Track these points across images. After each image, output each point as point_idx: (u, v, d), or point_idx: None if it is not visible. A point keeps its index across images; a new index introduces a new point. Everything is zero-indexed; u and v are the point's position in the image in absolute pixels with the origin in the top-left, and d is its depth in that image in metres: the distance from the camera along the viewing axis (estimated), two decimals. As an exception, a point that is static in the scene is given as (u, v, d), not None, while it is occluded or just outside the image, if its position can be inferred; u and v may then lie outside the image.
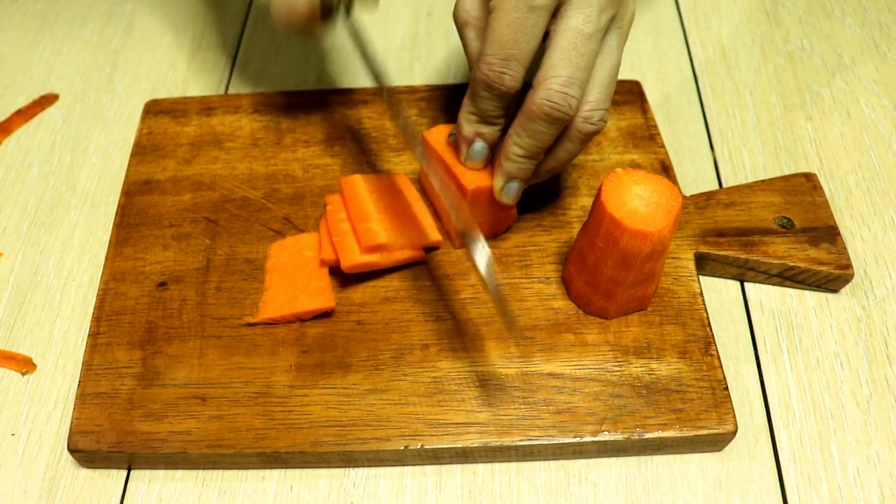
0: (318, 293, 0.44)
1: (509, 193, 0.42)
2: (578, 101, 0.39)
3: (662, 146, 0.51)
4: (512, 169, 0.41)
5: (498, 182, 0.42)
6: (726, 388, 0.41)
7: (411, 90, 0.55)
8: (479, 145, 0.42)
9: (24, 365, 0.45)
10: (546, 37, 0.40)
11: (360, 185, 0.47)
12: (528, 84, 0.40)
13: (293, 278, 0.45)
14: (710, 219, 0.47)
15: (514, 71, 0.39)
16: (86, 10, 0.66)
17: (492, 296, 0.39)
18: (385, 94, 0.45)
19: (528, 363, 0.42)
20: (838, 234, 0.46)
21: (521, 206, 0.47)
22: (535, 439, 0.40)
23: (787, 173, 0.50)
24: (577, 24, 0.38)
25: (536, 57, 0.40)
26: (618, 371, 0.42)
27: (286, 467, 0.41)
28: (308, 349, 0.43)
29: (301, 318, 0.44)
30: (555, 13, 0.39)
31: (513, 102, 0.41)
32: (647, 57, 0.61)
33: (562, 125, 0.39)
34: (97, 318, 0.45)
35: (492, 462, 0.41)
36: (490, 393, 0.41)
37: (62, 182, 0.54)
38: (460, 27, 0.43)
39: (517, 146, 0.40)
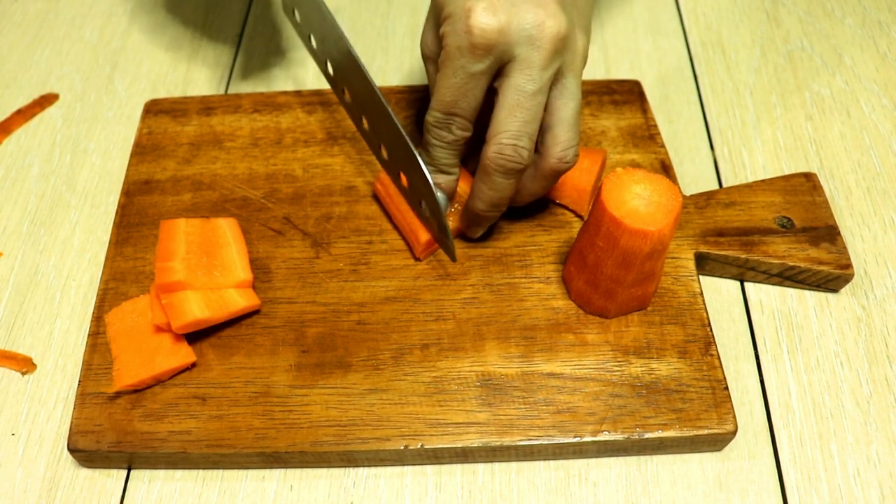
0: (176, 350, 0.42)
1: (473, 232, 0.46)
2: (529, 152, 0.41)
3: (662, 146, 0.51)
4: (476, 220, 0.45)
5: (464, 223, 0.46)
6: (726, 388, 0.41)
7: (411, 90, 0.55)
8: (438, 196, 0.43)
9: (24, 365, 0.45)
10: (494, 90, 0.41)
11: (179, 227, 0.44)
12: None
13: (143, 342, 0.42)
14: (710, 219, 0.47)
15: (458, 124, 0.42)
16: (86, 10, 0.66)
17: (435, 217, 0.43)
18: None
19: (528, 363, 0.42)
20: (838, 233, 0.46)
21: (522, 206, 0.48)
22: (535, 439, 0.40)
23: (787, 173, 0.50)
24: (519, 83, 0.39)
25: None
26: (618, 371, 0.42)
27: (286, 467, 0.41)
28: (308, 349, 0.43)
29: (160, 380, 0.42)
30: (501, 70, 0.40)
31: (469, 155, 0.44)
32: (647, 57, 0.61)
33: (518, 175, 0.42)
34: (97, 318, 0.45)
35: (492, 462, 0.41)
36: (490, 393, 0.41)
37: (62, 182, 0.54)
38: (423, 60, 0.45)
39: (479, 200, 0.43)
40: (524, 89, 0.39)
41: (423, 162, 0.42)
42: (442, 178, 0.44)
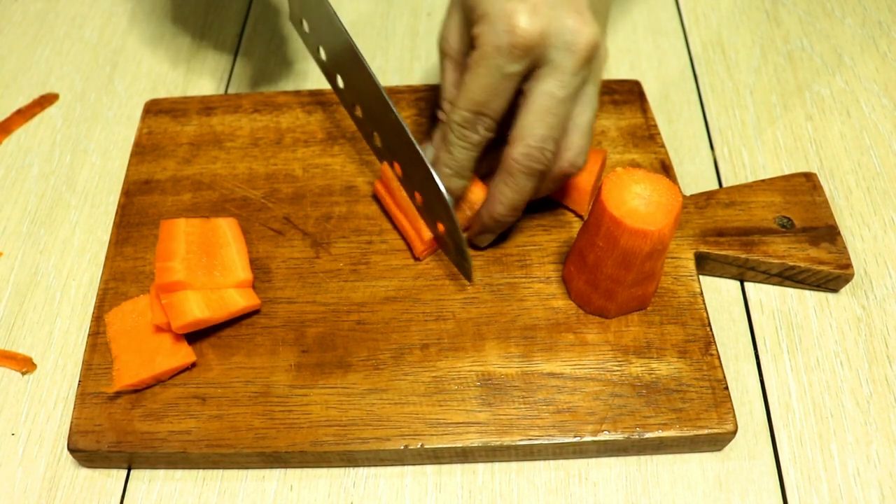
0: (176, 350, 0.42)
1: (483, 240, 0.46)
2: (554, 155, 0.41)
3: (662, 146, 0.51)
4: (491, 226, 0.44)
5: (476, 230, 0.45)
6: (726, 388, 0.41)
7: (412, 90, 0.55)
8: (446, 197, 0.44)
9: (24, 365, 0.45)
10: (520, 92, 0.41)
11: (179, 227, 0.44)
12: (500, 139, 0.42)
13: (142, 341, 0.42)
14: (710, 218, 0.47)
15: (486, 125, 0.41)
16: (86, 10, 0.66)
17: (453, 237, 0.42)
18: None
19: (528, 363, 0.42)
20: (838, 233, 0.46)
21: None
22: (535, 439, 0.40)
23: (787, 173, 0.51)
24: (550, 88, 0.39)
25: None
26: (618, 371, 0.42)
27: (286, 467, 0.41)
28: (308, 349, 0.43)
29: (160, 380, 0.42)
30: (530, 74, 0.40)
31: (482, 157, 0.44)
32: (647, 57, 0.61)
33: (541, 177, 0.42)
34: (97, 318, 0.45)
35: (492, 462, 0.41)
36: (490, 393, 0.41)
37: (62, 182, 0.54)
38: (441, 56, 0.44)
39: (500, 203, 0.43)
40: (555, 95, 0.39)
41: (441, 180, 0.42)
42: (457, 182, 0.44)
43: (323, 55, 0.49)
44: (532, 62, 0.39)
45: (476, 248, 0.47)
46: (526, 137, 0.40)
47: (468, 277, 0.44)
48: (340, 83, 0.49)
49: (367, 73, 0.43)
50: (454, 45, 0.43)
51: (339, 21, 0.44)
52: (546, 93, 0.39)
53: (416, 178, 0.44)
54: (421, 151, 0.42)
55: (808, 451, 0.41)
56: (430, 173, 0.41)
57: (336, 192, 0.50)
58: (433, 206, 0.43)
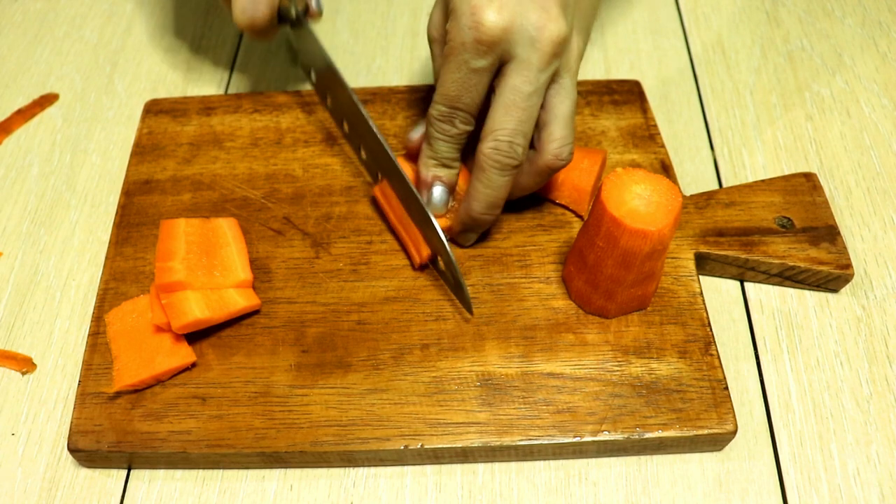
0: (176, 350, 0.42)
1: (466, 239, 0.46)
2: (524, 149, 0.42)
3: (662, 146, 0.51)
4: (471, 223, 0.45)
5: (457, 228, 0.46)
6: (726, 388, 0.41)
7: (411, 90, 0.55)
8: (438, 190, 0.45)
9: (24, 365, 0.45)
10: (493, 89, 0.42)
11: (179, 227, 0.44)
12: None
13: (143, 341, 0.42)
14: (710, 219, 0.47)
15: (461, 118, 0.42)
16: (86, 10, 0.66)
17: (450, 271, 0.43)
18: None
19: (528, 363, 0.42)
20: (838, 233, 0.46)
21: (521, 205, 0.48)
22: (535, 439, 0.40)
23: (787, 173, 0.50)
24: (516, 83, 0.40)
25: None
26: (618, 371, 0.42)
27: (286, 467, 0.42)
28: (308, 349, 0.43)
29: (160, 380, 0.42)
30: (499, 70, 0.41)
31: (467, 149, 0.45)
32: (647, 57, 0.61)
33: (513, 172, 0.42)
34: (97, 318, 0.45)
35: (492, 462, 0.41)
36: (490, 393, 0.41)
37: (62, 182, 0.54)
38: (430, 42, 0.45)
39: (476, 201, 0.43)
40: (521, 90, 0.40)
41: (425, 171, 0.43)
42: (443, 172, 0.45)
43: (329, 102, 0.52)
44: (498, 57, 0.40)
45: (461, 246, 0.47)
46: (495, 132, 0.41)
47: (469, 310, 0.44)
48: (346, 127, 0.51)
49: (365, 122, 0.46)
50: (439, 28, 0.44)
51: (324, 49, 0.47)
52: (513, 88, 0.40)
53: (416, 213, 0.45)
54: (414, 189, 0.43)
55: (808, 451, 0.41)
56: (427, 213, 0.43)
57: (336, 192, 0.50)
58: (432, 241, 0.44)
